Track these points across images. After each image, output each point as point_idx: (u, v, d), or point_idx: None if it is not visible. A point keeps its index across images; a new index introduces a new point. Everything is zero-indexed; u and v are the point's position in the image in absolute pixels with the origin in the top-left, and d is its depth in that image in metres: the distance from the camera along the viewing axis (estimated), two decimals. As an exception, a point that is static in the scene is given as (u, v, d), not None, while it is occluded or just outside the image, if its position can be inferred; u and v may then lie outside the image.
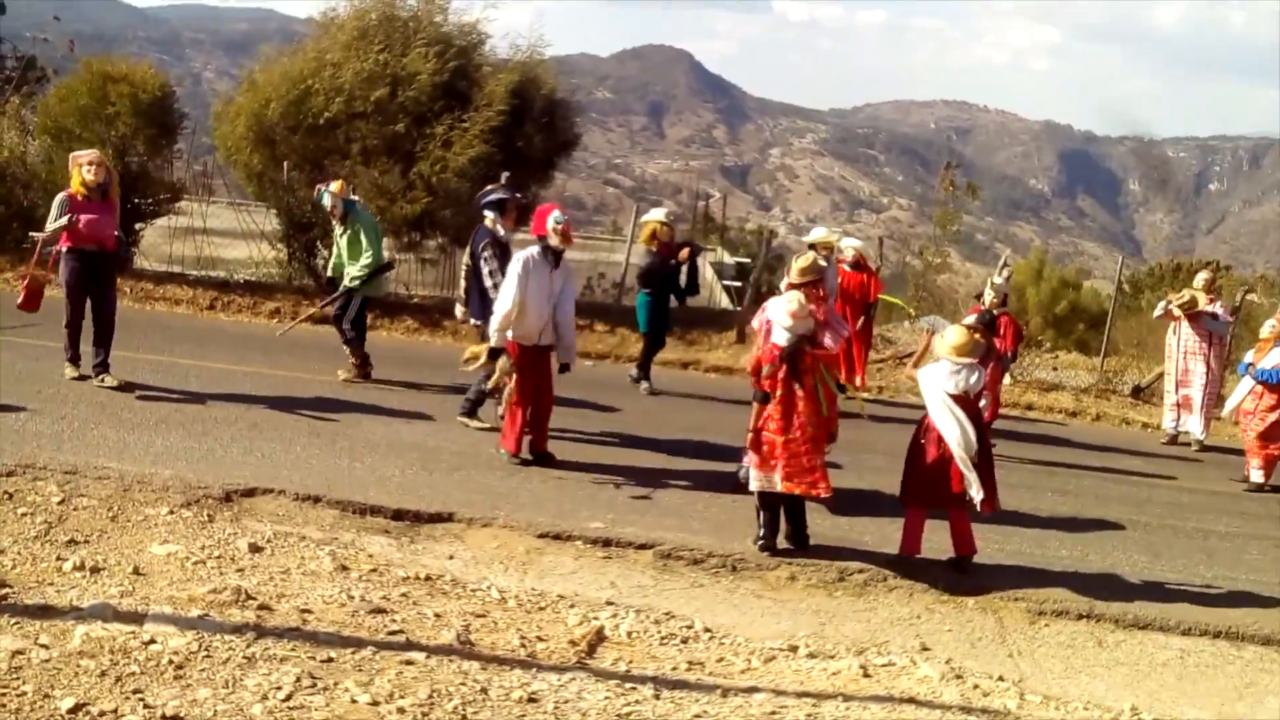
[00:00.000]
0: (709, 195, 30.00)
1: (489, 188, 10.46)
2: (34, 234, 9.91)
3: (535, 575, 7.25)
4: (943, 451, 7.71)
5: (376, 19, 16.10)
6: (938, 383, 7.78)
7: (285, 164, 15.88)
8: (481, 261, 9.80)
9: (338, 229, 11.42)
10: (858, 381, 13.01)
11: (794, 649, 6.55)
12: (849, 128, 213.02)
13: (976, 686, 6.24)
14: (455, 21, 16.70)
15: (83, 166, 9.80)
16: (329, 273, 12.14)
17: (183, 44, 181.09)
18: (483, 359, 9.02)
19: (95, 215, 9.71)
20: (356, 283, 11.20)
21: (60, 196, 9.79)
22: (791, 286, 9.06)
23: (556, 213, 9.14)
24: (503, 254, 9.80)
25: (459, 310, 10.53)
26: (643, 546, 7.80)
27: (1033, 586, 7.82)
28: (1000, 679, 6.45)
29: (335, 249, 11.58)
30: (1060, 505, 10.02)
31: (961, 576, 7.79)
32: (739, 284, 20.52)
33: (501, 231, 9.95)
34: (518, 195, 10.67)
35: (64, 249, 9.78)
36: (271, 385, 10.88)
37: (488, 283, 9.69)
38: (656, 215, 12.80)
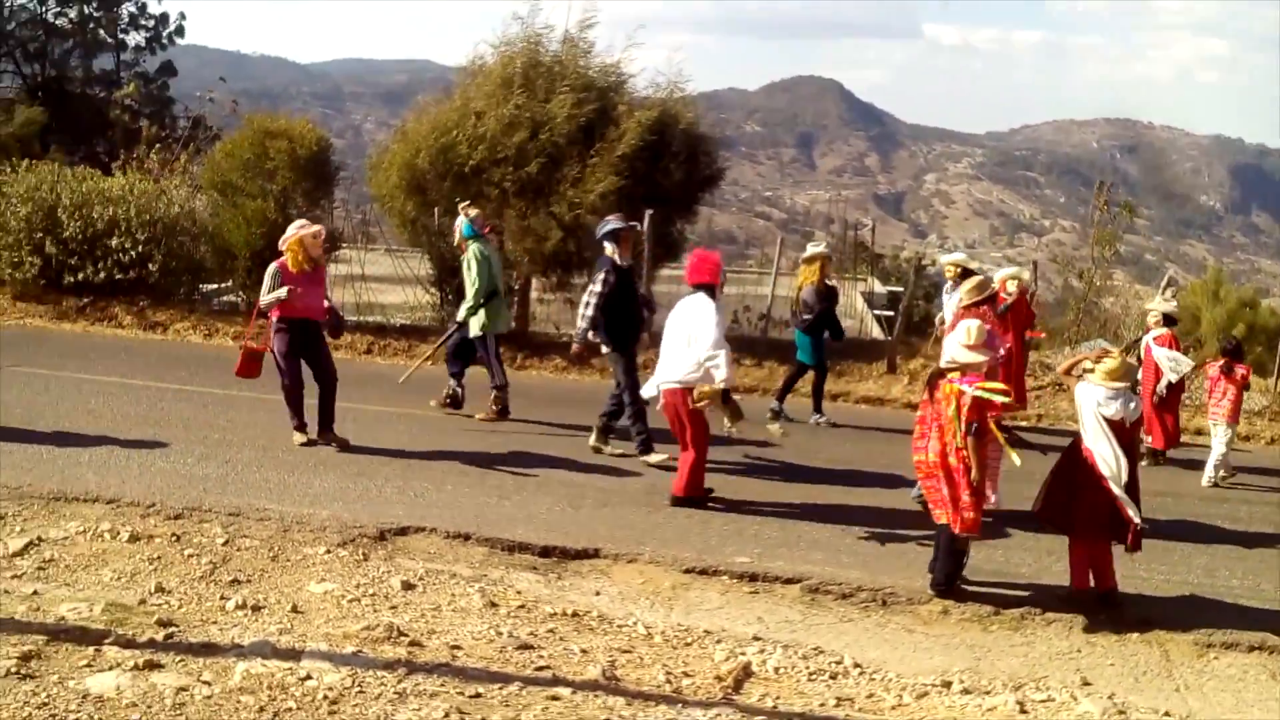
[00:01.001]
0: (861, 224, 29.62)
1: (606, 219, 10.66)
2: (261, 305, 9.98)
3: (681, 610, 7.25)
4: (1096, 479, 7.45)
5: (521, 66, 16.43)
6: (1094, 407, 7.53)
7: (435, 210, 16.32)
8: (596, 283, 10.22)
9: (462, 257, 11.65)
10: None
11: (947, 685, 6.39)
12: (1006, 150, 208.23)
13: (1140, 723, 5.99)
14: (598, 64, 16.95)
15: (306, 239, 9.85)
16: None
17: (343, 97, 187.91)
18: (718, 401, 8.92)
19: (308, 286, 9.84)
20: (466, 317, 11.40)
21: (273, 267, 9.85)
22: (965, 310, 8.99)
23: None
24: (622, 281, 10.23)
25: (589, 334, 10.64)
26: (790, 581, 7.72)
27: (1201, 618, 7.48)
28: (1166, 715, 6.18)
29: None
30: (1231, 534, 9.56)
31: (1113, 610, 7.50)
32: (890, 313, 20.20)
33: (619, 260, 10.28)
34: (634, 226, 10.93)
35: (275, 319, 9.89)
36: (424, 426, 11.16)
37: (585, 298, 10.21)
38: (819, 249, 12.72)
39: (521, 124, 15.77)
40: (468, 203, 12.14)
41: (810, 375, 12.82)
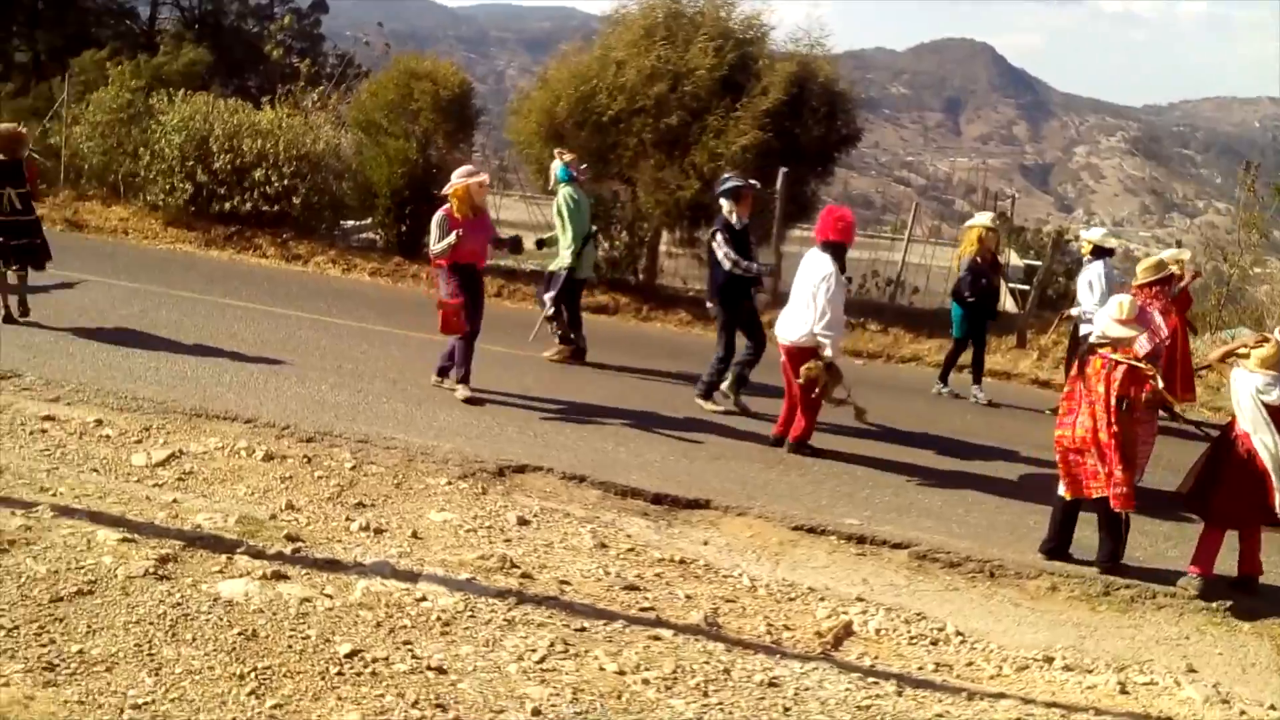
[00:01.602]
0: (1004, 194, 29.00)
1: (725, 176, 10.66)
2: (431, 253, 9.88)
3: (787, 566, 7.33)
4: (1254, 466, 7.31)
5: (663, 16, 16.43)
6: (1251, 393, 7.37)
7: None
8: (714, 245, 10.21)
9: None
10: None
11: (1049, 660, 6.38)
12: (1163, 126, 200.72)
13: (1244, 713, 5.91)
14: (739, 15, 16.85)
15: (472, 187, 9.82)
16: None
17: (489, 42, 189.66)
18: (823, 379, 9.02)
19: (472, 233, 9.77)
20: (562, 266, 11.50)
21: (439, 215, 9.82)
22: (1138, 289, 8.89)
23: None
24: (737, 240, 10.18)
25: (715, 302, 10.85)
26: (898, 546, 7.75)
27: (1319, 613, 7.31)
28: (1272, 708, 6.08)
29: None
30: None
31: (1245, 597, 7.37)
32: (1025, 287, 19.79)
33: (736, 219, 10.25)
34: (753, 185, 10.85)
35: (445, 266, 9.86)
36: (550, 370, 11.39)
37: (725, 265, 10.11)
38: (982, 220, 12.45)
39: (662, 75, 15.78)
40: (562, 149, 12.33)
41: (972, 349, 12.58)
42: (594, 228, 11.75)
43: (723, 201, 10.33)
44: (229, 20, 42.47)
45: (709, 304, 10.74)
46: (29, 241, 10.75)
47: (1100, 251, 11.59)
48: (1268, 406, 7.32)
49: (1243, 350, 7.64)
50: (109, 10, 40.83)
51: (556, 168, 11.77)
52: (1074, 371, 7.67)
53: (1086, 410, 7.40)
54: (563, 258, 11.52)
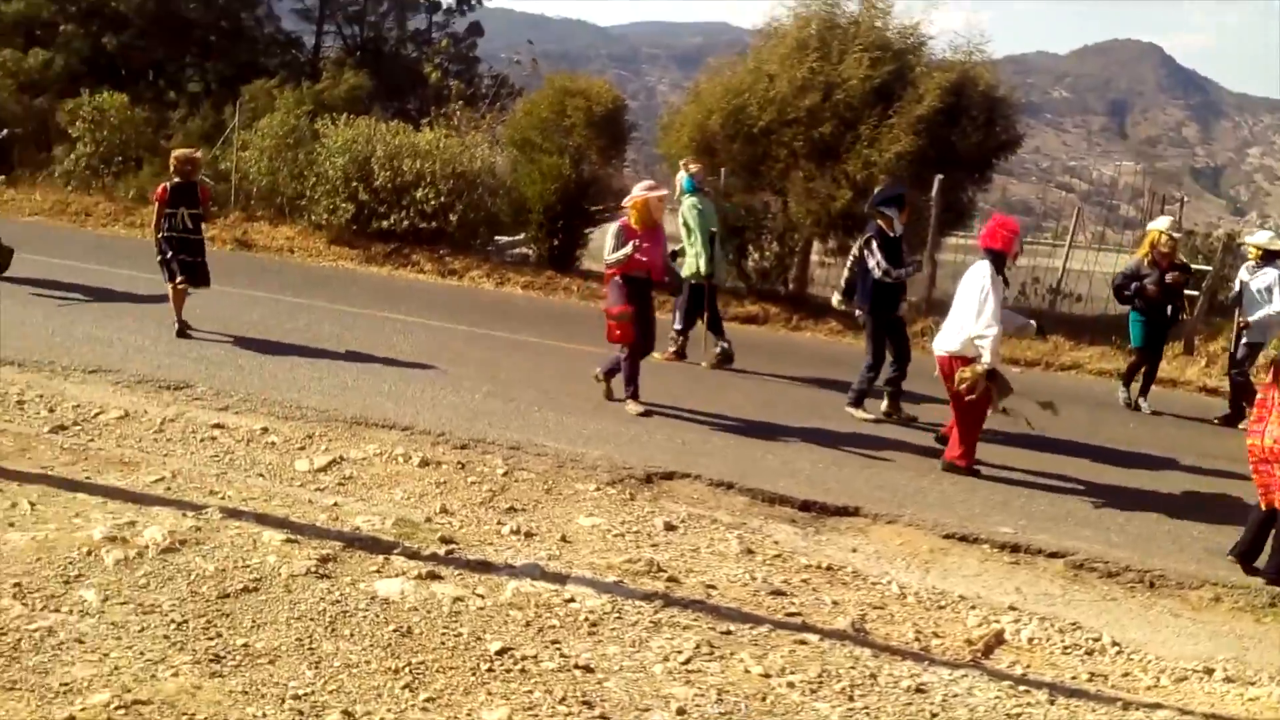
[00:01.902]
0: (1172, 198, 27.94)
1: (886, 185, 10.54)
2: (609, 260, 9.88)
3: (937, 574, 7.21)
4: None
5: (816, 29, 16.37)
6: None
7: (723, 171, 16.53)
8: (867, 253, 10.11)
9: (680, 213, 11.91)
10: None
11: (1209, 671, 6.11)
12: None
13: None
14: (895, 25, 16.69)
15: (651, 201, 9.81)
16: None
17: (640, 59, 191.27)
18: (981, 384, 8.78)
19: (651, 246, 9.80)
20: (694, 274, 11.71)
21: (616, 226, 9.92)
22: None
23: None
24: (890, 249, 10.08)
25: (835, 298, 10.97)
26: (1053, 555, 7.53)
27: None
28: None
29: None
30: None
31: None
32: (1194, 293, 19.05)
33: (897, 228, 10.16)
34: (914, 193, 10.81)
35: (617, 277, 9.86)
36: (696, 378, 11.45)
37: (876, 273, 10.02)
38: (1159, 224, 12.06)
39: (814, 86, 15.74)
40: (690, 159, 12.49)
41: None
42: (713, 229, 11.81)
43: (885, 209, 10.18)
44: (389, 47, 43.92)
45: (857, 312, 10.65)
46: (195, 260, 11.30)
47: (1270, 256, 11.13)
48: None
49: None
50: (276, 40, 42.65)
51: (682, 179, 11.91)
52: (1268, 379, 7.38)
53: (1277, 419, 7.13)
54: (692, 265, 11.69)
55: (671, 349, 12.15)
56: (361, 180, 17.35)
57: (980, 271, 8.80)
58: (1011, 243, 8.90)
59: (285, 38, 43.53)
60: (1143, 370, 12.09)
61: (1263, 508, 7.34)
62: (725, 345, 12.11)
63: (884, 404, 10.48)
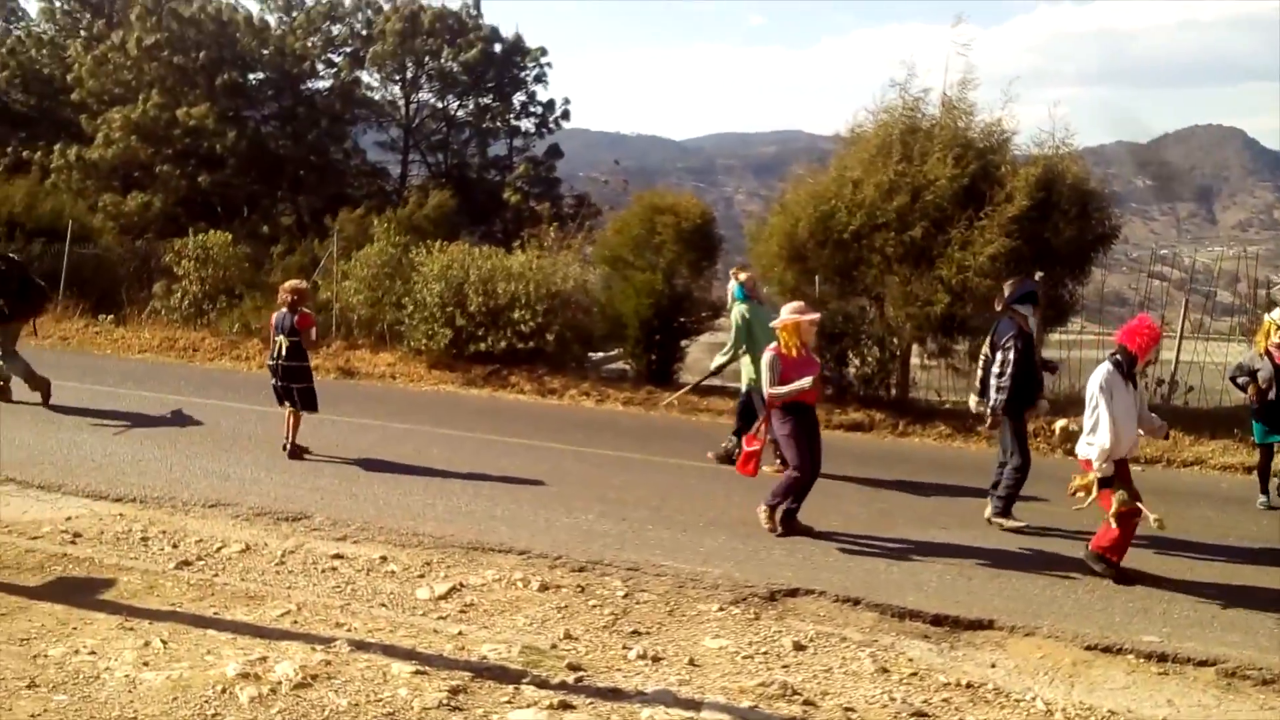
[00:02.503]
0: (1272, 282, 27.33)
1: (1017, 282, 10.31)
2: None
3: (1084, 688, 6.88)
4: None
5: (899, 133, 16.40)
6: None
7: (816, 278, 16.49)
8: (999, 353, 9.85)
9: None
10: None
11: (1392, 787, 5.73)
12: None
13: None
14: (979, 124, 16.65)
15: (803, 325, 9.52)
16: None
17: (716, 170, 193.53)
18: (1093, 492, 8.65)
19: (808, 371, 9.46)
20: (717, 369, 12.13)
21: (770, 356, 9.52)
22: None
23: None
24: (1026, 347, 9.83)
25: (973, 401, 10.54)
26: (1203, 663, 7.16)
27: None
28: None
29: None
30: None
31: None
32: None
33: (1032, 325, 9.96)
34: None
35: (777, 406, 9.53)
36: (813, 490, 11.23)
37: (995, 372, 9.81)
38: (1277, 315, 11.70)
39: (901, 188, 15.71)
40: (741, 265, 12.63)
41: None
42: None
43: (1019, 307, 9.96)
44: (471, 172, 45.11)
45: (990, 412, 10.11)
46: (293, 385, 11.50)
47: None
48: None
49: None
50: (363, 171, 44.07)
51: (733, 288, 11.97)
52: None
53: None
54: (746, 372, 11.77)
55: (725, 447, 12.17)
56: (457, 305, 17.59)
57: (1098, 375, 8.60)
58: (1148, 348, 8.67)
59: (372, 168, 45.02)
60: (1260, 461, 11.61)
61: None
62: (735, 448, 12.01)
63: (988, 509, 10.17)
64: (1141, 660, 7.27)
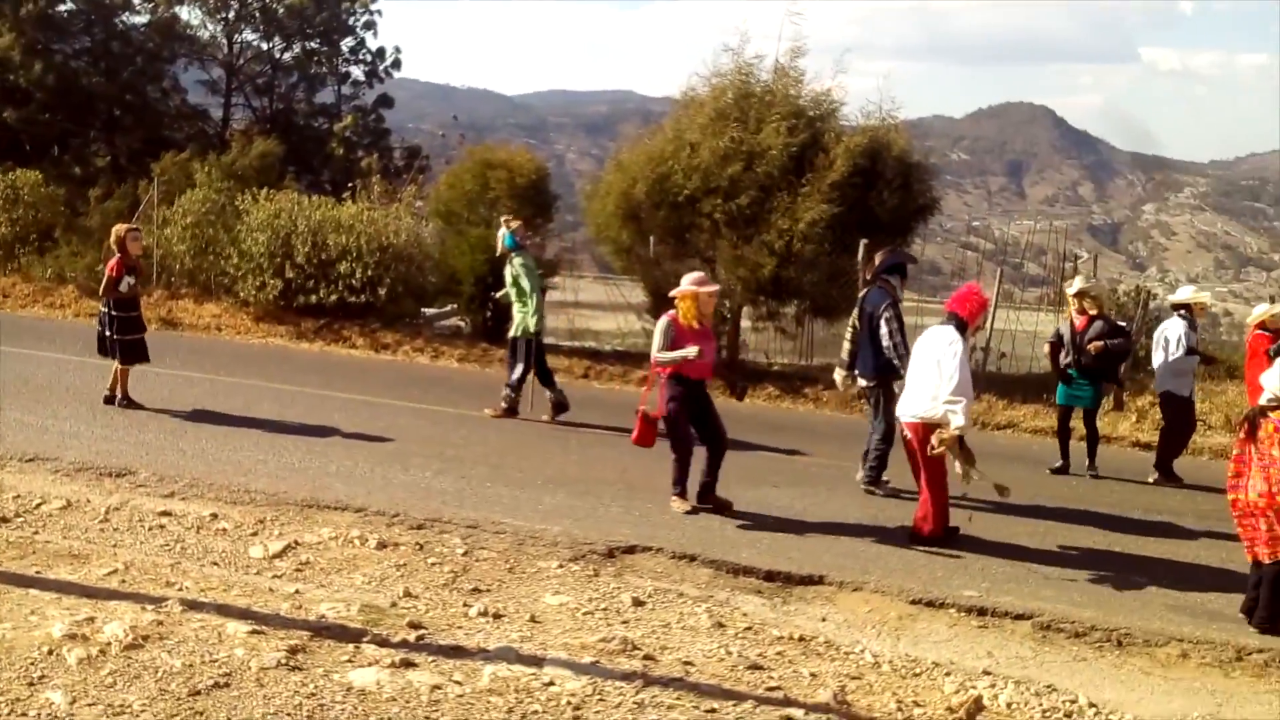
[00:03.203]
0: (1077, 256, 28.71)
1: (889, 250, 10.53)
2: (659, 361, 9.26)
3: (909, 641, 7.20)
4: None
5: (732, 97, 16.60)
6: None
7: (651, 238, 16.63)
8: (883, 323, 9.93)
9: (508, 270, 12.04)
10: None
11: (1187, 729, 6.19)
12: (1232, 180, 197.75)
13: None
14: (809, 93, 16.99)
15: (701, 296, 9.25)
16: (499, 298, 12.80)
17: (548, 128, 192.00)
18: (955, 447, 8.79)
19: (704, 344, 9.21)
20: (529, 332, 11.92)
21: (665, 321, 9.24)
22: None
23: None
24: (900, 319, 10.00)
25: (839, 375, 10.64)
26: (1020, 616, 7.57)
27: None
28: None
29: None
30: None
31: None
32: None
33: (899, 296, 10.15)
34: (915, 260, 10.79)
35: (666, 376, 9.32)
36: (639, 451, 11.35)
37: (885, 343, 9.91)
38: (1074, 286, 12.25)
39: (736, 155, 15.94)
40: (510, 216, 12.79)
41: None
42: (544, 285, 12.18)
43: (890, 277, 10.12)
44: (298, 119, 43.71)
45: (863, 381, 10.32)
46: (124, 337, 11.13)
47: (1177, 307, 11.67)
48: None
49: None
50: (184, 114, 42.24)
51: (504, 235, 12.04)
52: (1242, 434, 7.55)
53: (1260, 474, 7.30)
54: (528, 324, 11.88)
55: (503, 405, 12.24)
56: (286, 256, 17.13)
57: (947, 337, 8.83)
58: (978, 314, 9.03)
59: (193, 110, 43.16)
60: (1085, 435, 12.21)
61: (1249, 560, 7.48)
62: (559, 396, 12.30)
63: (860, 474, 10.40)
64: (963, 614, 7.64)
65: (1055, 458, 12.06)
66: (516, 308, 11.98)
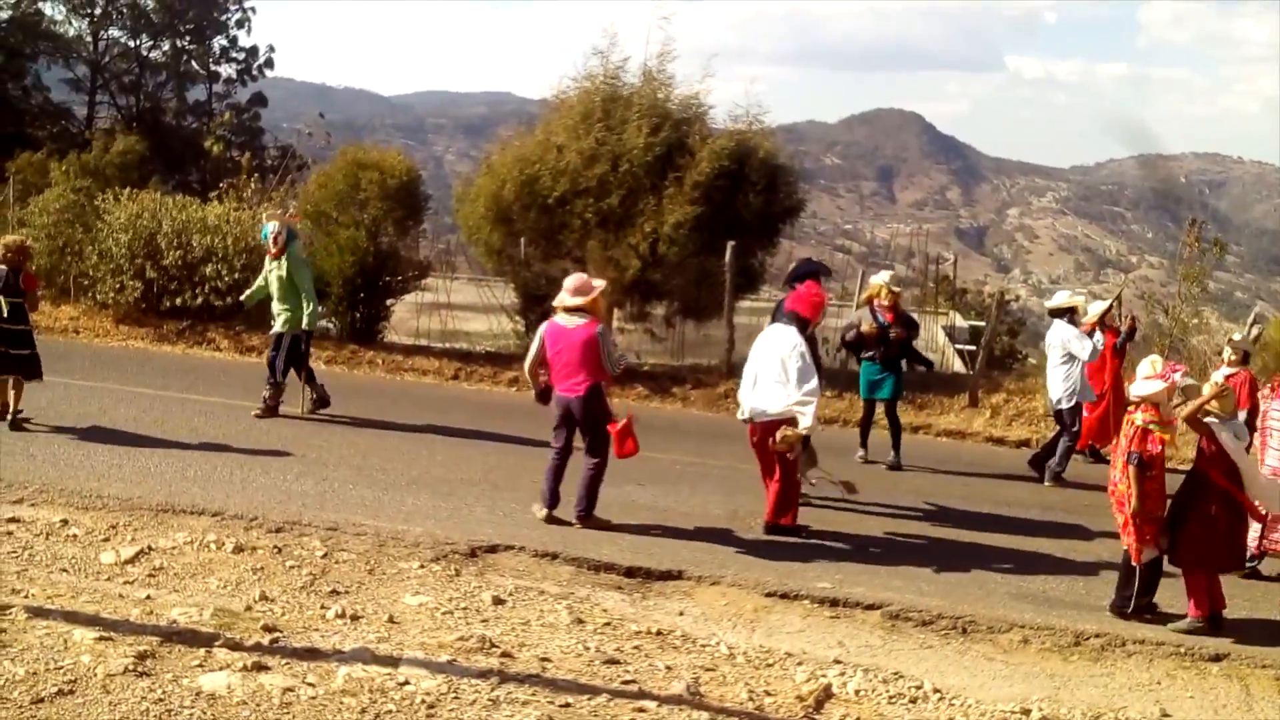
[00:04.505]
0: (942, 258, 29.54)
1: (803, 260, 10.62)
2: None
3: (763, 632, 7.39)
4: (1218, 510, 7.68)
5: (600, 100, 16.72)
6: (1234, 443, 7.77)
7: (521, 240, 16.65)
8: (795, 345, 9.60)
9: (271, 263, 11.92)
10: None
11: (1026, 712, 6.46)
12: (1092, 185, 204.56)
13: (1220, 754, 6.02)
14: (677, 96, 17.19)
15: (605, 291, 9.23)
16: (245, 301, 12.77)
17: (425, 129, 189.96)
18: (797, 445, 8.99)
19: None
20: (295, 326, 11.84)
21: (603, 327, 9.09)
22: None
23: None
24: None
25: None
26: (870, 607, 7.83)
27: (1282, 653, 7.48)
28: (1246, 747, 6.20)
29: (264, 280, 12.12)
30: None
31: (1212, 634, 7.59)
32: (972, 348, 20.16)
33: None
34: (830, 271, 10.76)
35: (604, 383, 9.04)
36: (510, 449, 11.42)
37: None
38: (881, 278, 12.62)
39: (602, 157, 16.05)
40: (282, 210, 13.10)
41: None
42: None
43: (798, 285, 9.83)
44: (168, 118, 42.62)
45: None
46: (17, 351, 10.63)
47: (1059, 313, 11.92)
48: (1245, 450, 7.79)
49: (1210, 405, 7.88)
50: (46, 111, 40.86)
51: (276, 229, 11.85)
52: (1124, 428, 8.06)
53: (1120, 466, 7.85)
54: (299, 317, 11.80)
55: (263, 405, 12.02)
56: (148, 257, 16.71)
57: (790, 338, 9.02)
58: (818, 312, 9.28)
59: (55, 108, 41.78)
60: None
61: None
62: (320, 391, 12.31)
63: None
64: (816, 605, 7.87)
65: (913, 451, 12.38)
66: (283, 305, 11.81)
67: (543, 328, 9.20)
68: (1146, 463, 7.67)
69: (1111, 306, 12.93)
